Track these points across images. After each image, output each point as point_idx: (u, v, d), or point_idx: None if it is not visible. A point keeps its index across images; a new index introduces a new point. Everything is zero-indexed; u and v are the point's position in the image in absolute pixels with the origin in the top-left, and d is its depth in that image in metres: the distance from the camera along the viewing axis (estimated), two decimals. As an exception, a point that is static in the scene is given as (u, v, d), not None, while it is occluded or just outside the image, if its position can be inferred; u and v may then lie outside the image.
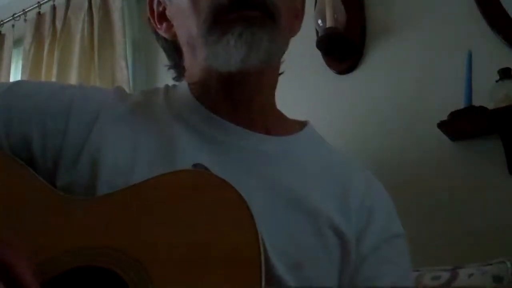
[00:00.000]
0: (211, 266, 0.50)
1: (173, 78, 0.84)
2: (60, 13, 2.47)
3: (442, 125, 1.49)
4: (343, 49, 1.76)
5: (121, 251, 0.53)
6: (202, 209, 0.54)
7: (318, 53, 1.81)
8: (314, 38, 1.79)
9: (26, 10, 2.58)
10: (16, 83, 0.78)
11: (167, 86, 0.79)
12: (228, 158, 0.68)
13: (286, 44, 0.74)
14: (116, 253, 0.53)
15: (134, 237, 0.54)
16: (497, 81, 1.45)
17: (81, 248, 0.55)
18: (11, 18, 2.62)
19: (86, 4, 2.40)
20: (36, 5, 2.56)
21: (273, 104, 0.78)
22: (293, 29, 0.79)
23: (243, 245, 0.50)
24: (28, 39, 2.53)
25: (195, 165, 0.62)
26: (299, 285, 0.62)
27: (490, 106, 1.44)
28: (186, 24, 0.72)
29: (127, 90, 2.22)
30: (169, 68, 0.84)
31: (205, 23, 0.67)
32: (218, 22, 0.66)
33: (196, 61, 0.73)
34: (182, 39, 0.76)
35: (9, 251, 0.51)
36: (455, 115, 1.47)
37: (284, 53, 0.75)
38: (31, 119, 0.68)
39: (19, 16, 2.59)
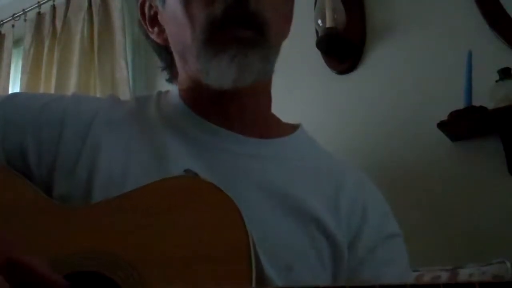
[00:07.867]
0: (201, 265, 0.51)
1: (167, 80, 0.83)
2: (60, 13, 2.48)
3: (442, 125, 1.49)
4: (343, 49, 1.76)
5: (113, 254, 0.54)
6: (192, 212, 0.55)
7: (318, 53, 1.81)
8: (314, 38, 1.80)
9: (26, 10, 2.58)
10: (11, 95, 0.79)
11: (159, 92, 0.79)
12: (220, 162, 0.68)
13: (277, 55, 0.73)
14: (108, 257, 0.54)
15: (125, 241, 0.55)
16: (497, 81, 1.45)
17: (73, 254, 0.55)
18: (11, 18, 2.62)
19: (86, 4, 2.40)
20: (36, 5, 2.56)
21: (266, 107, 0.78)
22: (284, 34, 0.78)
23: (233, 243, 0.51)
24: (28, 39, 2.53)
25: (186, 171, 0.62)
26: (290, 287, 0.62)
27: (490, 106, 1.44)
28: (180, 34, 0.71)
29: (127, 90, 2.23)
30: (162, 70, 0.83)
31: (200, 37, 0.67)
32: (212, 40, 0.66)
33: (187, 70, 0.73)
34: (174, 47, 0.75)
35: (24, 255, 0.51)
36: (455, 115, 1.47)
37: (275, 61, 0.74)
38: (27, 130, 0.69)
39: (19, 16, 2.60)
